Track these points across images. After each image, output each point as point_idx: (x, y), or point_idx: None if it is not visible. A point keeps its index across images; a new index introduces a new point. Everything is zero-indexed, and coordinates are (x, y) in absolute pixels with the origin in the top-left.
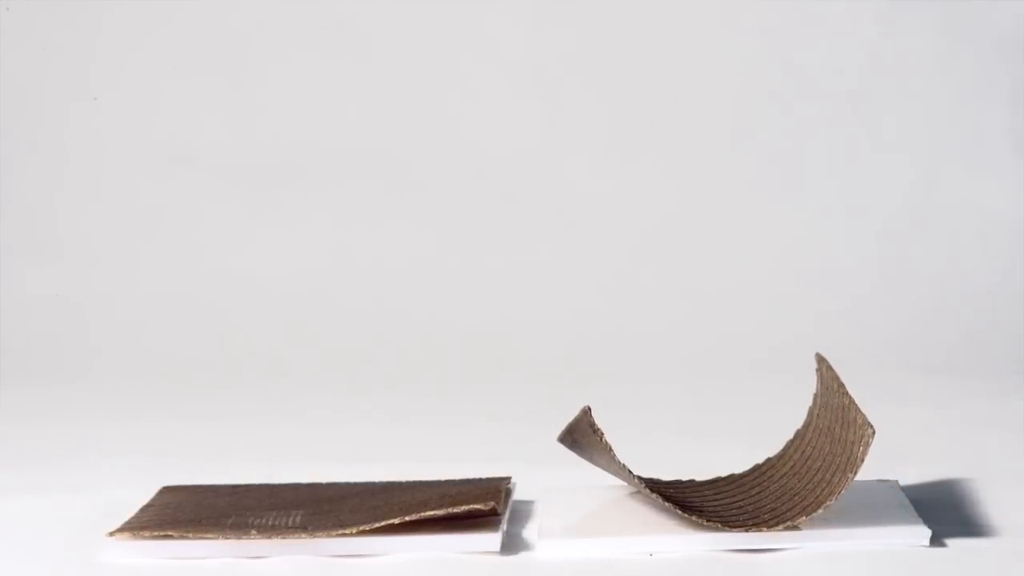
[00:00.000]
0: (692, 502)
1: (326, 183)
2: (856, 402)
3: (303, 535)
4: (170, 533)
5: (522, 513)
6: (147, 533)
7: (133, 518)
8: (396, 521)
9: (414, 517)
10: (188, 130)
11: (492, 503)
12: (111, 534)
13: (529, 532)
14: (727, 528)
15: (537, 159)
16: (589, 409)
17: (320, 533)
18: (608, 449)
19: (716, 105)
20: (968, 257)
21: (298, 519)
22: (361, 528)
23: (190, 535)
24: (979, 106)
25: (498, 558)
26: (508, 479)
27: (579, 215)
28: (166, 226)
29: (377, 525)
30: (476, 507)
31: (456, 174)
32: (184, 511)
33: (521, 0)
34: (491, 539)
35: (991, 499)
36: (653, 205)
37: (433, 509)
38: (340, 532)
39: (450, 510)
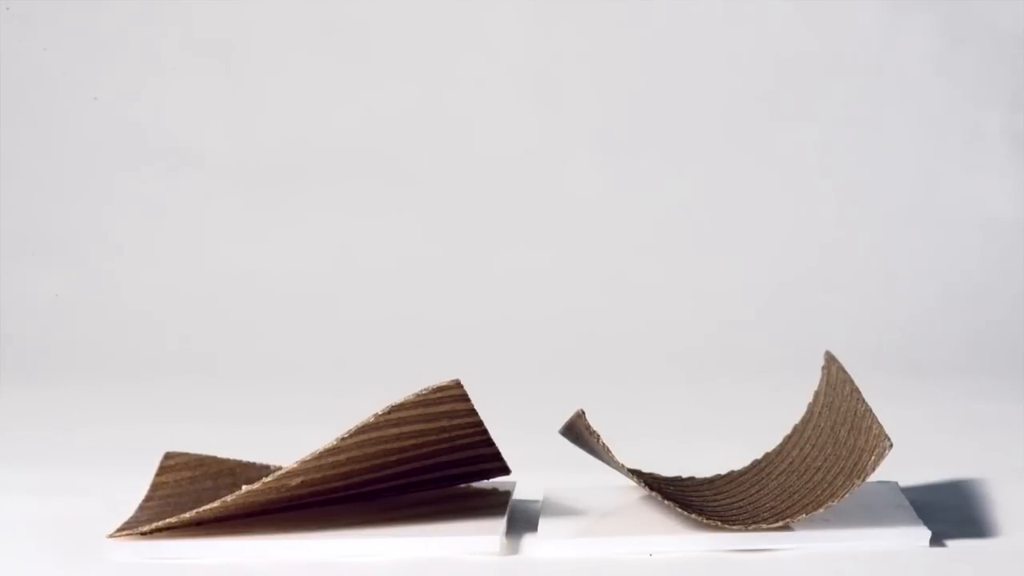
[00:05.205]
0: (691, 500)
1: (327, 183)
2: (873, 411)
3: (294, 471)
4: (170, 521)
5: (522, 513)
6: (147, 530)
7: (132, 517)
8: (371, 419)
9: (387, 408)
10: (189, 130)
11: (456, 379)
12: (111, 537)
13: (529, 532)
14: (727, 527)
15: (537, 159)
16: (583, 413)
17: (310, 461)
18: (606, 450)
19: (716, 105)
20: (968, 257)
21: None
22: (342, 437)
23: (187, 517)
24: (979, 106)
25: (498, 558)
26: (508, 472)
27: (579, 214)
28: (166, 226)
29: (358, 425)
30: (441, 384)
31: (456, 174)
32: (183, 507)
33: (521, 0)
34: (491, 540)
35: (990, 499)
36: (653, 204)
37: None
38: (327, 449)
39: (419, 394)
